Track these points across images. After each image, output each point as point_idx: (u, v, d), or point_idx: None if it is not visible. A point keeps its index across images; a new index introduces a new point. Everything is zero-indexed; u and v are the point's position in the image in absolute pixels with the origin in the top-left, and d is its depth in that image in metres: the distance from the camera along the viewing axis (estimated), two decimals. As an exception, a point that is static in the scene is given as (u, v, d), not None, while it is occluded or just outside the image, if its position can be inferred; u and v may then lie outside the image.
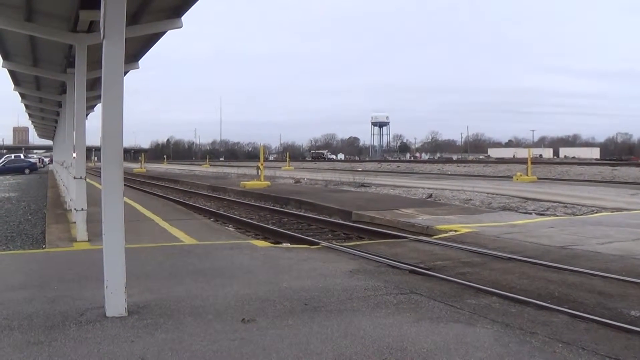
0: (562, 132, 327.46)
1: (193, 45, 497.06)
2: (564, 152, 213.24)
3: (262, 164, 42.96)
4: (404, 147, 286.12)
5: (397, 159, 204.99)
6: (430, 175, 64.15)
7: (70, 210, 21.78)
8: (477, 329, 7.98)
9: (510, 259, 13.25)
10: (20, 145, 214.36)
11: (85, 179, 17.23)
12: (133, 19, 15.98)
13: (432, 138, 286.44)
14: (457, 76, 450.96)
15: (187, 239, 16.32)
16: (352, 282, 10.84)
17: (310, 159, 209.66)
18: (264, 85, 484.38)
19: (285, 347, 7.19)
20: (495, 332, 7.80)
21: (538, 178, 49.51)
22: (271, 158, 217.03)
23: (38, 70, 23.66)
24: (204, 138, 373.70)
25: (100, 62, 8.77)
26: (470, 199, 30.69)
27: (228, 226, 22.16)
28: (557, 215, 23.35)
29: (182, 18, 16.72)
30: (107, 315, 8.40)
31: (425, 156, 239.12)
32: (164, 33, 18.58)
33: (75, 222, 17.15)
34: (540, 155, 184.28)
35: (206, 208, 29.54)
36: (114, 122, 8.66)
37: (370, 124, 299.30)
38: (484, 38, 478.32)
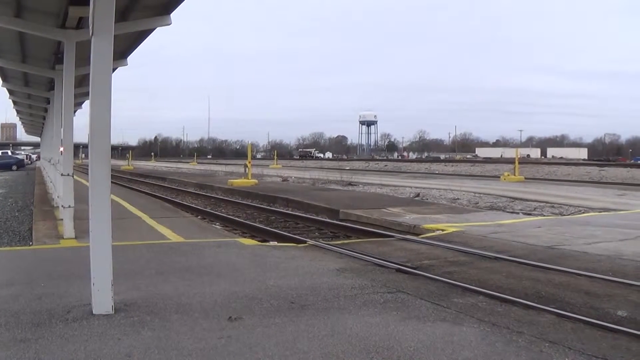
0: (550, 132, 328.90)
1: (182, 43, 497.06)
2: (551, 152, 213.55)
3: (249, 162, 42.93)
4: (392, 146, 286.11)
5: (385, 158, 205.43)
6: (417, 175, 64.23)
7: (58, 207, 21.74)
8: (464, 328, 7.99)
9: (497, 258, 13.28)
10: (8, 141, 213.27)
11: (73, 176, 17.18)
12: (122, 15, 15.94)
13: (420, 137, 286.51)
14: (445, 76, 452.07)
15: (174, 237, 16.31)
16: (339, 280, 10.86)
17: (298, 157, 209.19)
18: (252, 83, 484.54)
19: (272, 345, 7.19)
20: (481, 332, 7.81)
21: (525, 178, 49.59)
22: (259, 156, 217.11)
23: (26, 67, 23.58)
24: (192, 136, 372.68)
25: (88, 59, 8.75)
26: (458, 198, 30.75)
27: (215, 224, 22.16)
28: (544, 215, 23.39)
29: (171, 15, 16.68)
30: (93, 312, 8.39)
31: (412, 155, 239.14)
32: (152, 30, 18.54)
33: (62, 219, 17.12)
34: (528, 155, 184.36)
35: (193, 206, 29.54)
36: (101, 119, 8.64)
37: (358, 122, 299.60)
38: (472, 38, 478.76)
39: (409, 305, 9.19)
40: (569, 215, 23.39)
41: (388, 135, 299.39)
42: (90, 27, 8.66)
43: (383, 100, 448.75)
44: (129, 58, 22.98)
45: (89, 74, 8.94)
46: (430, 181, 46.67)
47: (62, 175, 17.54)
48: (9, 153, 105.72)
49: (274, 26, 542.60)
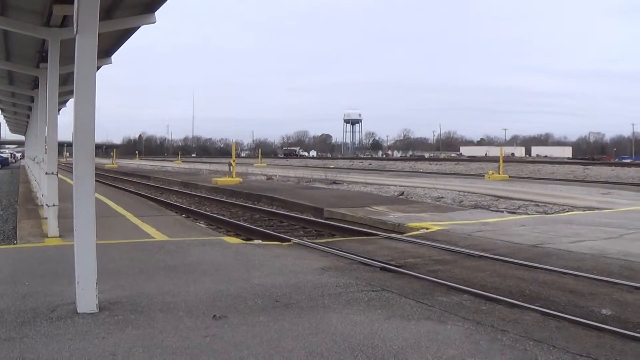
0: (534, 131, 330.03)
1: (167, 41, 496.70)
2: (536, 150, 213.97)
3: (234, 161, 42.83)
4: (376, 145, 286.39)
5: (369, 156, 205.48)
6: (402, 173, 64.33)
7: (42, 205, 21.70)
8: (448, 326, 8.01)
9: (481, 257, 13.32)
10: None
11: (57, 175, 17.14)
12: (107, 14, 15.92)
13: (405, 136, 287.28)
14: (429, 75, 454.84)
15: (158, 235, 16.30)
16: (323, 279, 10.87)
17: (283, 156, 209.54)
18: (236, 81, 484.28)
19: (256, 343, 7.20)
20: (466, 330, 7.83)
21: (510, 176, 49.72)
22: (243, 155, 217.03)
23: (10, 65, 23.50)
24: (176, 134, 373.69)
25: (73, 57, 8.74)
26: (442, 197, 30.81)
27: (200, 222, 22.14)
28: (529, 214, 23.45)
29: (156, 13, 16.67)
30: (78, 311, 8.38)
31: (397, 154, 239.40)
32: (137, 28, 18.52)
33: (46, 218, 17.07)
34: (513, 154, 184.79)
35: (178, 204, 29.48)
36: (86, 118, 8.63)
37: (343, 121, 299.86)
38: (457, 37, 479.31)
39: (394, 304, 9.20)
40: (553, 213, 23.47)
41: (372, 133, 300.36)
42: (75, 26, 8.64)
43: (368, 99, 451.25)
44: (113, 56, 22.97)
45: (73, 72, 8.92)
46: (414, 180, 46.76)
47: (46, 173, 17.50)
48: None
49: (259, 25, 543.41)
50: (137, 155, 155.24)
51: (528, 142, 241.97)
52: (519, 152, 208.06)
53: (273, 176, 52.27)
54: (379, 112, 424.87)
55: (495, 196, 30.53)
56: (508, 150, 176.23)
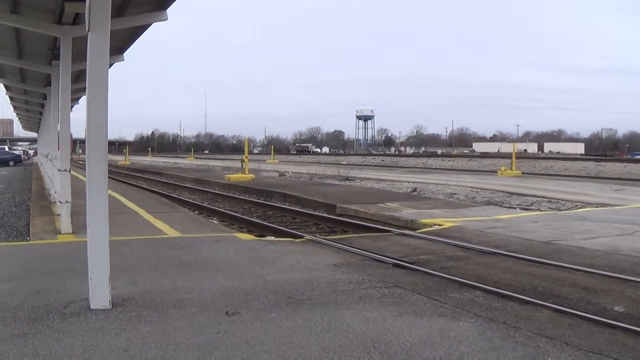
0: (546, 127, 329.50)
1: (179, 38, 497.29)
2: (548, 147, 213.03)
3: (246, 157, 42.83)
4: (389, 141, 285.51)
5: (382, 152, 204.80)
6: (414, 169, 64.23)
7: (55, 202, 21.75)
8: (461, 323, 8.00)
9: (494, 253, 13.29)
10: (5, 137, 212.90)
11: (70, 172, 17.18)
12: (118, 11, 15.95)
13: (417, 132, 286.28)
14: (442, 71, 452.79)
15: (171, 232, 16.32)
16: (336, 275, 10.87)
17: (295, 152, 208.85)
18: (249, 78, 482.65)
19: (269, 340, 7.20)
20: (479, 327, 7.82)
21: (522, 173, 49.62)
22: (256, 151, 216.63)
23: (23, 63, 23.55)
24: (189, 131, 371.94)
25: (85, 55, 8.75)
26: (455, 193, 30.74)
27: (212, 219, 22.16)
28: (542, 210, 23.38)
29: (167, 10, 16.68)
30: (91, 307, 8.40)
31: (410, 150, 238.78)
32: (149, 25, 18.53)
33: (59, 215, 17.12)
34: (525, 150, 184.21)
35: (190, 201, 29.54)
36: (99, 115, 8.65)
37: (355, 117, 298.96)
38: (469, 33, 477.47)
39: (406, 300, 9.20)
40: (566, 210, 23.40)
41: (385, 130, 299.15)
42: (87, 23, 8.65)
43: (380, 95, 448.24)
44: (125, 53, 22.98)
45: (85, 69, 8.91)
46: (427, 176, 46.63)
47: (59, 170, 17.53)
48: (6, 149, 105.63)
49: (272, 21, 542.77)
50: (149, 152, 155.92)
51: (541, 138, 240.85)
52: (532, 148, 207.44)
53: (285, 172, 52.21)
54: (392, 109, 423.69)
55: (507, 192, 30.47)
56: (521, 146, 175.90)
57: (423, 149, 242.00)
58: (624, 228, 16.90)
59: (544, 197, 28.07)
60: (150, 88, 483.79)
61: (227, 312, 8.34)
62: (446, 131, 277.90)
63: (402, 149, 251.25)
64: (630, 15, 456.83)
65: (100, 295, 8.46)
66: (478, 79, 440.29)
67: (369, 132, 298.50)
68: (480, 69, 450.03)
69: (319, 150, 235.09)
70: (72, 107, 24.50)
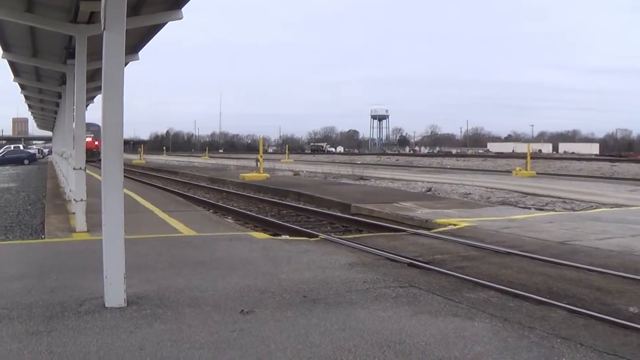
0: (561, 127, 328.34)
1: (194, 37, 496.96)
2: (563, 147, 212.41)
3: (261, 156, 42.91)
4: (404, 141, 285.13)
5: (397, 152, 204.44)
6: (429, 169, 64.27)
7: (70, 201, 21.79)
8: (476, 323, 8.00)
9: (508, 253, 13.27)
10: (20, 136, 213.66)
11: (85, 170, 17.24)
12: (133, 10, 16.00)
13: (432, 132, 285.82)
14: (457, 70, 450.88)
15: (186, 230, 16.35)
16: (350, 274, 10.87)
17: (310, 151, 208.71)
18: (264, 77, 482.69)
19: (284, 338, 7.21)
20: (493, 327, 7.81)
21: (537, 173, 49.49)
22: (270, 150, 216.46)
23: (38, 62, 23.67)
24: (204, 130, 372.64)
25: (100, 54, 8.79)
26: (470, 193, 30.69)
27: (227, 218, 22.17)
28: (556, 211, 23.30)
29: (183, 9, 16.73)
30: (106, 305, 8.42)
31: (424, 150, 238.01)
32: (164, 24, 18.60)
33: (74, 213, 17.17)
34: (540, 150, 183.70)
35: (205, 200, 29.54)
36: (114, 114, 8.67)
37: (370, 117, 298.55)
38: (484, 33, 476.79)
39: (421, 300, 9.20)
40: (580, 210, 23.32)
41: (400, 129, 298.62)
42: (102, 22, 8.67)
43: (395, 95, 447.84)
44: (140, 52, 23.06)
45: (100, 68, 8.94)
46: (442, 176, 46.59)
47: (74, 169, 17.58)
48: (21, 147, 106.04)
49: (286, 20, 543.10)
50: (164, 151, 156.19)
51: (555, 139, 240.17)
52: (546, 148, 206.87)
53: (300, 172, 52.22)
54: (406, 108, 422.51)
55: (522, 193, 30.39)
56: (535, 146, 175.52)
57: (437, 148, 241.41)
58: (639, 229, 16.85)
59: (558, 197, 27.99)
60: (165, 87, 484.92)
61: (242, 310, 8.34)
62: (461, 131, 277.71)
63: (417, 148, 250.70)
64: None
65: (115, 294, 8.48)
66: (493, 78, 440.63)
67: (384, 131, 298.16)
68: (495, 68, 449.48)
69: (333, 149, 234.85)
70: (87, 106, 24.59)
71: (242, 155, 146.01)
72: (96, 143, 69.61)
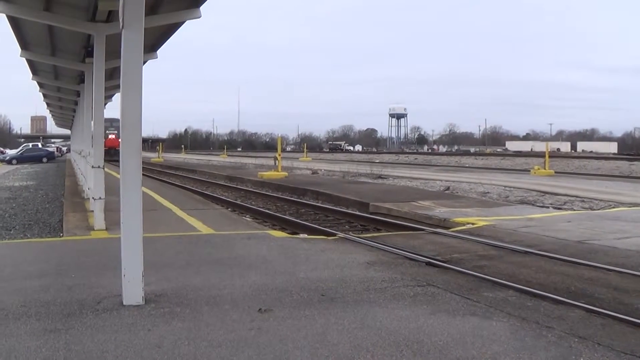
0: (579, 126, 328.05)
1: (212, 36, 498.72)
2: (581, 146, 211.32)
3: (279, 155, 42.94)
4: (422, 139, 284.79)
5: (415, 151, 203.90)
6: (447, 168, 64.02)
7: (88, 199, 21.89)
8: (494, 322, 7.98)
9: (527, 252, 13.23)
10: (38, 134, 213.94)
11: (104, 168, 17.28)
12: (152, 9, 16.02)
13: (450, 130, 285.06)
14: (475, 69, 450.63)
15: (204, 229, 16.36)
16: (369, 273, 10.86)
17: (328, 150, 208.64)
18: (282, 76, 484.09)
19: (301, 337, 7.22)
20: (511, 326, 7.80)
21: (555, 172, 49.23)
22: (288, 149, 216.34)
23: (56, 60, 23.75)
24: (222, 128, 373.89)
25: (118, 52, 8.79)
26: (488, 192, 30.60)
27: (245, 216, 22.20)
28: (575, 210, 23.22)
29: (201, 8, 16.74)
30: (124, 303, 8.45)
31: (442, 148, 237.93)
32: (182, 23, 18.61)
33: (92, 211, 17.23)
34: (558, 149, 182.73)
35: (224, 198, 29.62)
36: (133, 112, 8.68)
37: (388, 115, 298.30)
38: (502, 32, 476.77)
39: (439, 299, 9.19)
40: (599, 209, 23.22)
41: (418, 128, 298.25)
42: (121, 21, 8.69)
43: (413, 94, 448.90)
44: (159, 51, 23.09)
45: (119, 67, 8.95)
46: (460, 174, 46.45)
47: (92, 167, 17.65)
48: (40, 145, 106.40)
49: (304, 19, 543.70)
50: (182, 149, 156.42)
51: (573, 137, 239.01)
52: (565, 147, 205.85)
53: (318, 170, 52.17)
54: (424, 107, 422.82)
55: (541, 192, 30.28)
56: (554, 145, 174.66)
57: (456, 147, 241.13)
58: (658, 228, 16.77)
59: (576, 196, 27.87)
60: (183, 85, 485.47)
61: (260, 309, 8.35)
62: (479, 130, 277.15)
63: (435, 147, 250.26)
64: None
65: (133, 291, 8.50)
66: (511, 77, 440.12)
67: (402, 130, 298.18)
68: (513, 67, 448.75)
69: (351, 148, 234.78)
70: (105, 104, 24.65)
71: (260, 153, 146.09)
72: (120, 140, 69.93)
